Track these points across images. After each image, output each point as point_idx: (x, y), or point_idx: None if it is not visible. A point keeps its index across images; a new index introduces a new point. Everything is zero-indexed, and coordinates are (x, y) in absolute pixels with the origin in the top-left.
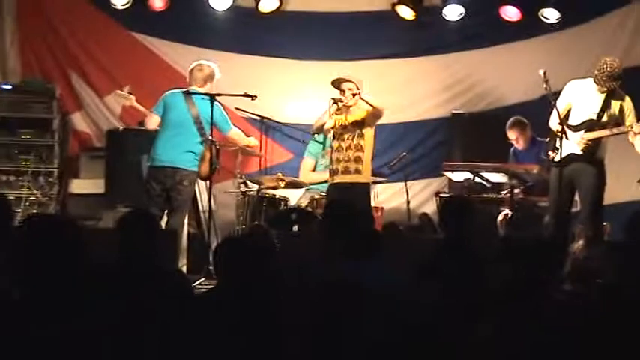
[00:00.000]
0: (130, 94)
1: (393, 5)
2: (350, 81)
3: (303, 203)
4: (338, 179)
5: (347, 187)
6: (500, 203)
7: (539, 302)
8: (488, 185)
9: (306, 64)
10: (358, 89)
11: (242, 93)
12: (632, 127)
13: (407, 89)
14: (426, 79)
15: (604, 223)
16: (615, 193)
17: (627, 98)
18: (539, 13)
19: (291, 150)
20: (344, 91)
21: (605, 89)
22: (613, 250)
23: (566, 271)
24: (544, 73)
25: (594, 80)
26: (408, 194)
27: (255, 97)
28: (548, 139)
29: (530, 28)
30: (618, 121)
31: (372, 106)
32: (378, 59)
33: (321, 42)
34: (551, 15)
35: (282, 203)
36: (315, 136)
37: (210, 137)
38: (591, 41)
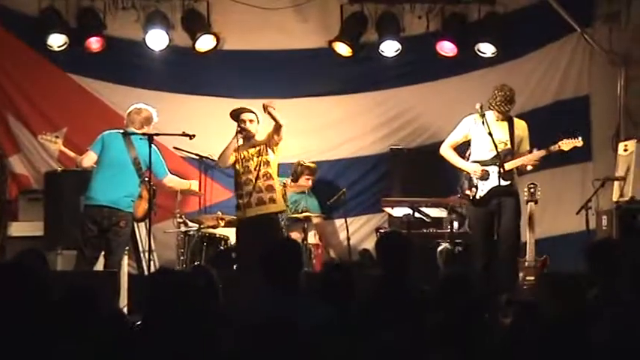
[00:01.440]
0: (57, 137)
1: (330, 42)
2: (250, 111)
3: None
4: (253, 212)
5: (262, 217)
6: (440, 237)
7: (482, 337)
8: (428, 220)
9: (243, 103)
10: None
11: (180, 132)
12: (560, 147)
13: (345, 125)
14: (364, 115)
15: (544, 256)
16: (554, 225)
17: (524, 125)
18: (475, 48)
19: (230, 188)
20: (244, 121)
21: (502, 115)
22: (552, 282)
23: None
24: (481, 107)
25: (491, 108)
26: (348, 230)
27: (194, 136)
28: (457, 177)
29: (466, 62)
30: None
31: (276, 120)
32: (316, 96)
33: (259, 80)
34: (487, 50)
35: (223, 242)
36: None
37: (147, 178)
38: (527, 75)
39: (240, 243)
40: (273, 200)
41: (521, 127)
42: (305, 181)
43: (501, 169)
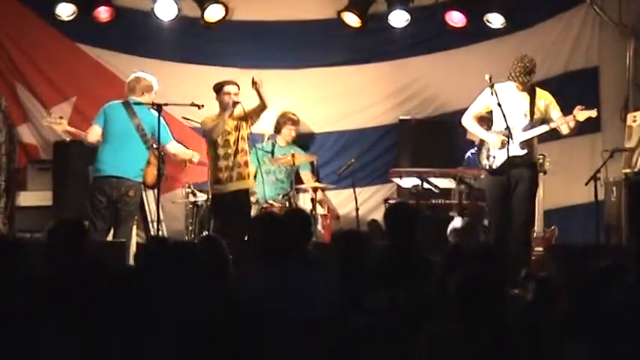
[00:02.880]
0: (61, 118)
1: (339, 13)
2: (234, 83)
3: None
4: (234, 186)
5: (243, 192)
6: (448, 208)
7: (497, 306)
8: (436, 191)
9: (253, 73)
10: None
11: (189, 103)
12: (575, 117)
13: (354, 96)
14: (372, 86)
15: (552, 227)
16: (563, 196)
17: (547, 94)
18: (484, 18)
19: None
20: (229, 93)
21: (522, 86)
22: (562, 254)
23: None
24: (490, 78)
25: (511, 79)
26: (356, 201)
27: (202, 106)
28: (477, 147)
29: (475, 33)
30: (545, 117)
31: (263, 100)
32: (325, 67)
33: (268, 51)
34: (496, 20)
35: None
36: (263, 144)
37: (154, 145)
38: (536, 45)
39: (223, 217)
40: (249, 175)
41: (543, 96)
42: (288, 132)
43: (510, 140)
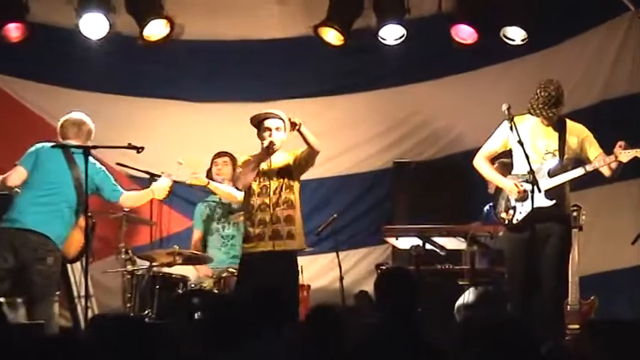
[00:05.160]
0: None
1: (316, 28)
2: (277, 116)
3: (206, 283)
4: (262, 247)
5: (277, 256)
6: (458, 275)
7: None
8: (442, 253)
9: (206, 107)
10: (286, 125)
11: (125, 145)
12: (617, 157)
13: (337, 134)
14: (360, 121)
15: (591, 297)
16: (603, 258)
17: (581, 127)
18: (501, 34)
19: (189, 216)
20: (269, 129)
21: (547, 120)
22: (602, 331)
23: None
24: (508, 109)
25: (533, 112)
26: (340, 268)
27: (142, 149)
28: (494, 197)
29: (489, 51)
30: (579, 157)
31: (309, 143)
32: (298, 98)
33: (226, 78)
34: (515, 35)
35: (181, 284)
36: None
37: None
38: (566, 68)
39: (243, 284)
40: (291, 235)
41: (576, 130)
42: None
43: (535, 187)
